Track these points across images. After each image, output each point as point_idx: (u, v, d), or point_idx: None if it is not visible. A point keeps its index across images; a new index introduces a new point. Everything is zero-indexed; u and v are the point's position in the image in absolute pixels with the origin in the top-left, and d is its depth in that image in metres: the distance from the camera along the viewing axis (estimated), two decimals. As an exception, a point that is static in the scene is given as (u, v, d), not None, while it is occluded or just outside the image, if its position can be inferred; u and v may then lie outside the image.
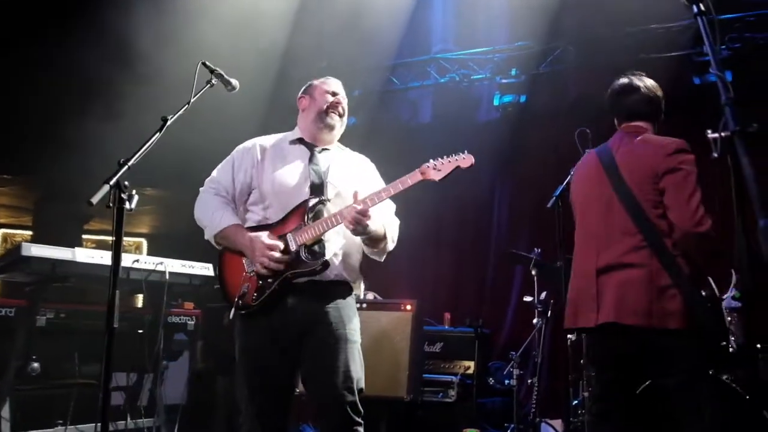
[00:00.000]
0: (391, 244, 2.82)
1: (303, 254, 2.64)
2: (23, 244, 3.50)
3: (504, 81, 6.27)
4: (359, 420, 2.63)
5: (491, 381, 5.34)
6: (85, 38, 5.38)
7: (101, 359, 4.01)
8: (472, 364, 4.98)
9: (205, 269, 4.32)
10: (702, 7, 1.95)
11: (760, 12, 5.46)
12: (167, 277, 3.97)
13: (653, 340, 2.56)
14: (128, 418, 4.04)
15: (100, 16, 5.40)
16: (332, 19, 6.23)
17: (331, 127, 2.86)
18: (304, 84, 3.06)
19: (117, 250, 2.32)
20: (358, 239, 2.76)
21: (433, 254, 6.59)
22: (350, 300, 2.77)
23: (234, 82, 2.83)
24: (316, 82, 2.97)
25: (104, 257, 3.81)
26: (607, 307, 2.64)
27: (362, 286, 2.88)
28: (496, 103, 6.23)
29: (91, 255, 3.74)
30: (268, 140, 2.93)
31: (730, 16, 5.45)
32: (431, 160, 2.60)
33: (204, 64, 2.79)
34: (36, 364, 3.60)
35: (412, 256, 6.03)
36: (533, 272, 4.78)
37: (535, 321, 4.77)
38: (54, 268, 3.60)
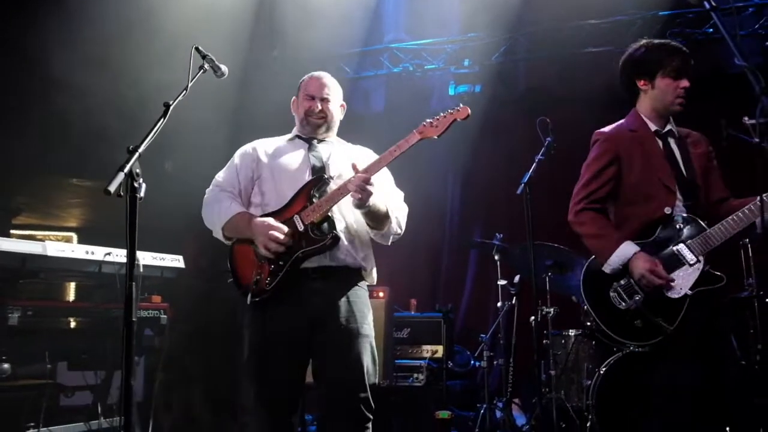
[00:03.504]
0: (397, 228, 2.84)
1: (311, 232, 2.65)
2: (-8, 238, 3.31)
3: (457, 71, 6.37)
4: (370, 416, 2.65)
5: (450, 364, 5.47)
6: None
7: (68, 358, 3.91)
8: (439, 348, 5.09)
9: (176, 261, 4.21)
10: (713, 3, 2.10)
11: (699, 9, 5.79)
12: (141, 270, 3.83)
13: None
14: (101, 418, 3.89)
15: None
16: (284, 9, 6.16)
17: (316, 127, 2.91)
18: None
19: (132, 241, 2.24)
20: (364, 222, 2.78)
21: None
22: (363, 292, 2.80)
23: (223, 68, 2.79)
24: (303, 81, 3.01)
25: (75, 251, 3.65)
26: None
27: (374, 273, 2.89)
28: (451, 93, 6.33)
29: (62, 248, 3.58)
30: (266, 141, 2.99)
31: (672, 12, 5.77)
32: (428, 120, 2.63)
33: (197, 49, 2.74)
34: (6, 365, 3.41)
35: (376, 245, 6.06)
36: (496, 257, 4.93)
37: (499, 304, 4.93)
38: (24, 263, 3.42)
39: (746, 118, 2.06)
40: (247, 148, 2.96)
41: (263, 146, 2.94)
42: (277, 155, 2.88)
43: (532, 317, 4.53)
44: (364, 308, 2.76)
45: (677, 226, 2.82)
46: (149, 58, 5.27)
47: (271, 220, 2.67)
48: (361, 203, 2.61)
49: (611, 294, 2.86)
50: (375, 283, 2.91)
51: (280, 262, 2.64)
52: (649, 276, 2.71)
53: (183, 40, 5.19)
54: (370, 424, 2.65)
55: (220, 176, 2.93)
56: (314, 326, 2.65)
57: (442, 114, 2.63)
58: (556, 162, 4.72)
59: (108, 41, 5.43)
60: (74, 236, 9.99)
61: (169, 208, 4.71)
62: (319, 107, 2.89)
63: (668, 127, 2.98)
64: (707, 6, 2.11)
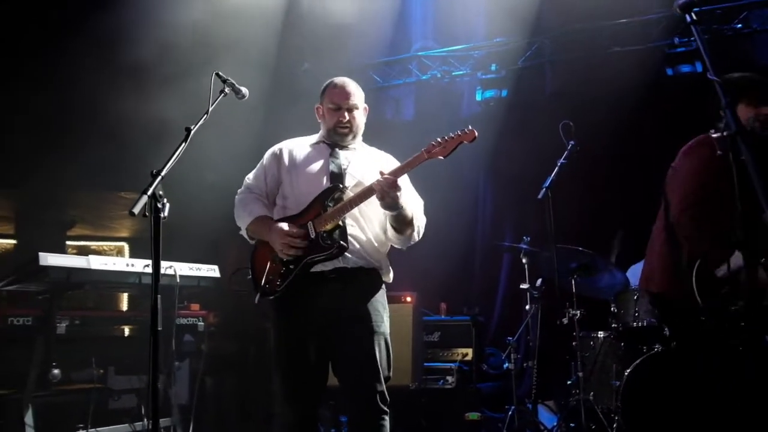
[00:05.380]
0: (416, 236, 2.97)
1: (321, 240, 2.80)
2: (40, 254, 3.58)
3: (484, 77, 6.46)
4: (386, 408, 2.78)
5: (484, 367, 5.56)
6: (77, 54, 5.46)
7: (115, 363, 4.18)
8: (469, 351, 5.19)
9: (212, 271, 4.44)
10: (694, 17, 2.17)
11: (727, 5, 5.76)
12: (178, 280, 4.07)
13: None
14: (144, 419, 4.14)
15: (93, 29, 5.47)
16: (313, 22, 6.36)
17: (343, 137, 3.00)
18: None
19: (156, 256, 2.44)
20: (379, 225, 2.92)
21: (423, 248, 6.76)
22: (379, 293, 2.92)
23: (244, 90, 2.95)
24: (326, 88, 3.05)
25: (117, 264, 3.91)
26: None
27: (390, 274, 3.00)
28: (478, 98, 6.43)
29: (104, 262, 3.83)
30: (293, 143, 3.10)
31: (700, 8, 5.70)
32: (438, 138, 2.71)
33: (217, 74, 2.91)
34: (57, 371, 3.68)
35: (404, 250, 6.19)
36: (524, 261, 4.99)
37: (527, 307, 4.99)
38: (69, 276, 3.69)
39: (713, 131, 2.12)
40: (275, 149, 3.09)
41: (289, 149, 3.06)
42: (300, 161, 3.01)
43: (563, 319, 4.62)
44: (379, 306, 2.88)
45: None
46: (189, 76, 5.53)
47: (285, 226, 2.84)
48: (388, 205, 2.74)
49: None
50: (391, 281, 3.02)
51: (291, 266, 2.82)
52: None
53: (217, 58, 5.50)
54: (387, 417, 2.78)
55: (250, 177, 3.11)
56: (332, 324, 2.80)
57: (450, 134, 2.71)
58: (584, 164, 4.77)
59: (151, 64, 5.74)
60: (126, 246, 10.47)
61: (211, 219, 4.96)
62: (347, 118, 2.96)
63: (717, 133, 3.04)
64: (688, 19, 2.18)
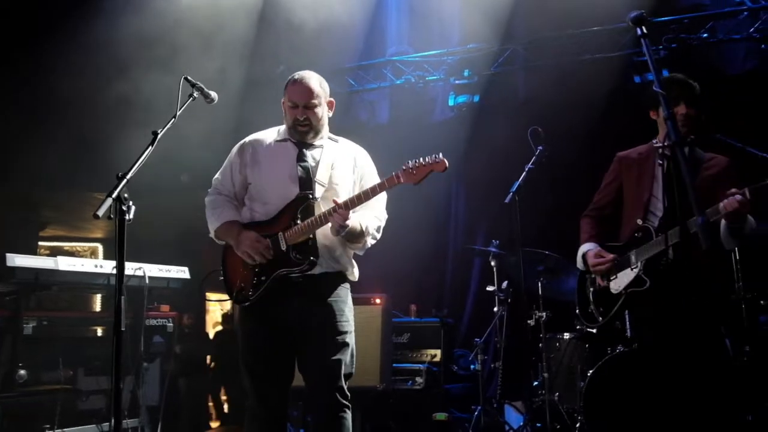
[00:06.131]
0: (371, 240, 3.02)
1: (292, 254, 2.85)
2: (8, 255, 3.59)
3: (458, 82, 6.54)
4: (346, 403, 2.86)
5: (455, 368, 5.64)
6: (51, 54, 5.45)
7: (83, 364, 4.18)
8: (438, 352, 5.26)
9: (182, 272, 4.46)
10: (645, 30, 2.26)
11: (693, 15, 5.89)
12: (147, 281, 4.09)
13: None
14: (112, 420, 4.13)
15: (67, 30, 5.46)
16: (289, 25, 6.39)
17: (303, 134, 2.97)
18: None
19: (120, 258, 2.47)
20: None
21: (394, 250, 6.83)
22: (344, 293, 2.98)
23: (213, 94, 2.99)
24: (287, 84, 3.00)
25: (85, 265, 3.93)
26: None
27: (356, 272, 3.05)
28: (451, 103, 6.51)
29: (72, 263, 3.85)
30: (260, 138, 3.08)
31: (667, 18, 5.85)
32: (410, 162, 2.75)
33: (186, 78, 2.94)
34: (23, 372, 3.69)
35: (376, 252, 6.26)
36: (492, 264, 5.08)
37: (495, 309, 5.07)
38: (37, 277, 3.70)
39: (655, 141, 2.19)
40: (240, 146, 3.09)
41: (254, 146, 3.05)
42: (267, 161, 3.00)
43: (529, 320, 4.71)
44: (343, 306, 2.95)
45: (636, 234, 3.10)
46: (164, 77, 5.54)
47: (254, 234, 2.87)
48: (336, 235, 2.84)
49: (587, 277, 3.33)
50: (356, 279, 3.06)
51: (262, 277, 2.87)
52: (595, 269, 3.17)
53: (191, 60, 5.52)
54: (348, 411, 2.85)
55: (217, 178, 3.12)
56: (298, 323, 2.86)
57: (421, 161, 2.75)
58: (552, 169, 4.85)
59: (126, 63, 5.73)
60: (100, 247, 10.41)
61: (185, 219, 4.98)
62: (304, 116, 2.91)
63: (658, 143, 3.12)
64: (639, 32, 2.26)
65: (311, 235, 2.87)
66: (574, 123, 5.64)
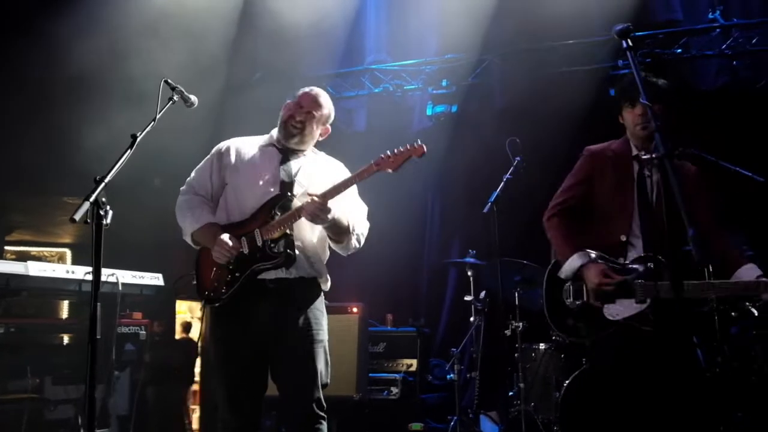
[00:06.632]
0: (356, 243, 2.99)
1: (268, 249, 2.81)
2: (-24, 260, 3.48)
3: (435, 92, 6.56)
4: (323, 414, 2.82)
5: (430, 378, 5.63)
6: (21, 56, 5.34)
7: (52, 373, 4.07)
8: (414, 362, 5.24)
9: (155, 279, 4.38)
10: (630, 43, 2.28)
11: (668, 30, 6.01)
12: (120, 288, 4.00)
13: None
14: (81, 431, 4.04)
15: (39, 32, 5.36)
16: (266, 32, 6.36)
17: (290, 135, 2.96)
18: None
19: (97, 264, 2.41)
20: (323, 235, 2.95)
21: (371, 258, 6.81)
22: (318, 300, 2.95)
23: (193, 98, 2.95)
24: (302, 90, 3.05)
25: (56, 270, 3.83)
26: None
27: (328, 281, 3.04)
28: (429, 113, 6.52)
29: (43, 268, 3.75)
30: (243, 142, 3.07)
31: (642, 33, 5.95)
32: (387, 151, 2.75)
33: (166, 81, 2.90)
34: (-11, 380, 3.57)
35: (352, 261, 6.23)
36: (469, 273, 5.09)
37: (472, 319, 5.08)
38: (8, 283, 3.59)
39: (642, 153, 2.22)
40: (221, 147, 3.06)
41: (236, 148, 3.03)
42: (249, 164, 2.98)
43: (506, 330, 4.73)
44: (318, 314, 2.91)
45: (648, 264, 2.90)
46: (137, 84, 5.46)
47: (227, 236, 2.82)
48: (317, 223, 2.80)
49: (565, 287, 3.05)
50: (329, 289, 3.04)
51: (237, 274, 2.82)
52: (597, 290, 2.86)
53: (167, 64, 5.45)
54: (324, 422, 2.81)
55: (193, 176, 3.06)
56: (271, 332, 2.81)
57: (400, 148, 2.75)
58: (530, 180, 4.89)
59: (101, 63, 5.63)
60: (68, 252, 10.19)
61: (158, 224, 4.89)
62: (301, 117, 2.94)
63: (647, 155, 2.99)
64: (624, 45, 2.29)
65: (288, 231, 2.83)
66: (550, 134, 5.69)
